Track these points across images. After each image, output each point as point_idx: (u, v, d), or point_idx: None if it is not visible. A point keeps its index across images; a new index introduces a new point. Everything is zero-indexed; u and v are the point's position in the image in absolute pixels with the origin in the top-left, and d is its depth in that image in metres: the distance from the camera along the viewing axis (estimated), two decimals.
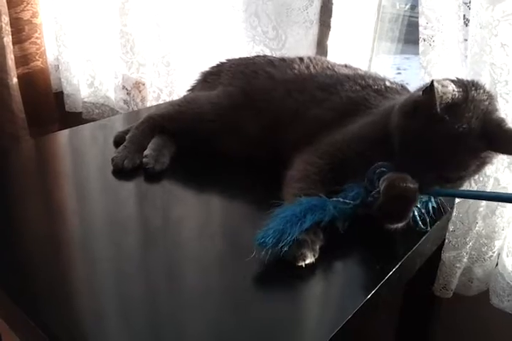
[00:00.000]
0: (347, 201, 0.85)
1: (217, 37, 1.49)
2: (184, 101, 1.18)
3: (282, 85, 1.12)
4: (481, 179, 1.00)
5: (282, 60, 1.22)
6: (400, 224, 0.84)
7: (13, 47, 1.92)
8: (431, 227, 0.89)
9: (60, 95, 1.99)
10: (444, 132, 0.79)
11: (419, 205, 0.87)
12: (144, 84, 1.60)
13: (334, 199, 0.85)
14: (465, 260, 1.04)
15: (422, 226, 0.86)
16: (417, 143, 0.82)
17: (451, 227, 1.04)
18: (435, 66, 1.10)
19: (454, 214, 1.04)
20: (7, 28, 1.87)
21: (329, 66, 1.16)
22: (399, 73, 1.70)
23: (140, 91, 1.61)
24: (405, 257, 0.84)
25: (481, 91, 0.83)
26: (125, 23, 1.55)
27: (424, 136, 0.81)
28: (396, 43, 1.48)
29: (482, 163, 0.83)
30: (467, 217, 1.03)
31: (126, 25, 1.56)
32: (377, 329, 1.18)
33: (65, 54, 1.80)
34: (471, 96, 0.80)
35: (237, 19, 1.42)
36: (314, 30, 1.33)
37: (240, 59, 1.26)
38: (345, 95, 1.06)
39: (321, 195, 0.84)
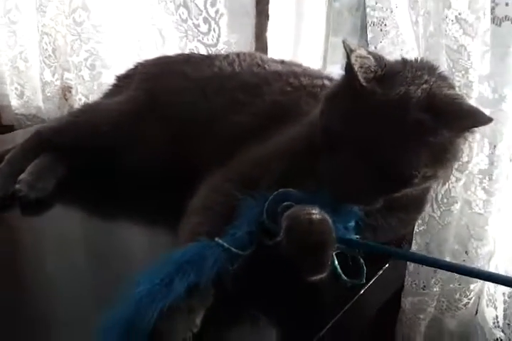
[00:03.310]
0: (233, 250, 0.61)
1: (147, 34, 1.28)
2: (80, 111, 0.97)
3: (195, 85, 0.90)
4: (446, 200, 0.75)
5: (205, 57, 1.00)
6: (318, 276, 0.62)
7: None
8: (367, 278, 0.65)
9: None
10: (376, 105, 0.60)
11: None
12: (70, 92, 1.38)
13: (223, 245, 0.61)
14: (431, 309, 0.79)
15: (346, 279, 0.62)
16: (346, 128, 0.61)
17: (410, 266, 0.79)
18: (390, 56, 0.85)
19: (413, 247, 0.79)
20: None
21: (259, 62, 0.93)
22: None
23: (67, 100, 1.39)
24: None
25: (427, 65, 0.65)
26: (43, 22, 1.34)
27: (354, 116, 0.61)
28: (359, 37, 1.23)
29: (437, 151, 0.60)
30: (433, 252, 0.78)
31: (45, 24, 1.34)
32: None
33: None
34: (409, 68, 0.63)
35: (166, 12, 1.20)
36: (251, 21, 1.10)
37: (158, 58, 1.05)
38: (271, 99, 0.85)
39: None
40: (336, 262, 0.64)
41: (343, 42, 0.60)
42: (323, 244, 0.59)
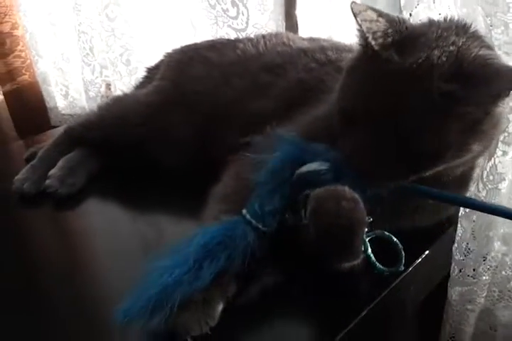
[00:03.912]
0: (259, 227, 0.57)
1: (179, 25, 1.26)
2: (108, 105, 0.96)
3: (218, 71, 0.86)
4: (492, 178, 0.67)
5: (230, 41, 0.96)
6: (348, 264, 0.57)
7: None
8: (409, 265, 0.60)
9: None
10: (394, 75, 0.54)
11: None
12: (109, 89, 1.40)
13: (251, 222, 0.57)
14: (481, 299, 0.71)
15: (383, 267, 0.57)
16: (364, 102, 0.55)
17: (456, 253, 0.72)
18: None
19: (459, 232, 0.72)
20: None
21: (285, 41, 0.88)
22: None
23: (107, 97, 1.41)
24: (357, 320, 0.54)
25: (456, 24, 0.58)
26: (79, 21, 1.36)
27: (370, 89, 0.55)
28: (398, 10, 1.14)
29: (470, 123, 0.53)
30: (480, 236, 0.70)
31: (81, 23, 1.36)
32: None
33: (40, 64, 1.65)
34: (434, 29, 0.56)
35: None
36: (279, 0, 1.05)
37: (183, 46, 1.02)
38: (295, 77, 0.80)
39: None
40: (370, 249, 0.59)
41: (351, 4, 0.55)
42: (354, 226, 0.54)
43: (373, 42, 0.53)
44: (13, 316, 0.60)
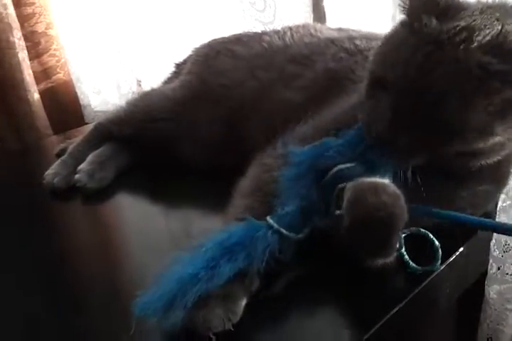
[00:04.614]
0: (284, 232, 0.55)
1: (207, 19, 1.25)
2: (136, 100, 0.96)
3: (244, 64, 0.85)
4: None
5: (256, 33, 0.95)
6: (380, 260, 0.55)
7: (32, 62, 1.84)
8: (442, 262, 0.57)
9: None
10: (431, 39, 0.51)
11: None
12: (140, 85, 1.40)
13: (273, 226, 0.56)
14: None
15: (416, 266, 0.55)
16: (392, 69, 0.53)
17: (494, 249, 0.68)
18: None
19: None
20: (21, 43, 1.79)
21: (312, 32, 0.86)
22: None
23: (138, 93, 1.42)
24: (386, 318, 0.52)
25: (503, 6, 0.54)
26: (111, 19, 1.38)
27: (401, 55, 0.53)
28: None
29: (503, 103, 0.50)
30: None
31: (112, 21, 1.37)
32: None
33: (74, 62, 1.68)
34: (479, 6, 0.53)
35: None
36: None
37: (212, 40, 1.01)
38: (323, 67, 0.77)
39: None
40: (404, 247, 0.57)
41: None
42: (393, 221, 0.52)
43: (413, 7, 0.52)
44: (44, 306, 0.61)
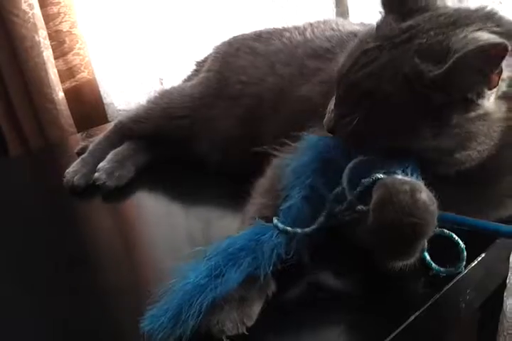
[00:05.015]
0: (287, 228, 0.54)
1: (228, 18, 1.25)
2: (156, 98, 0.96)
3: (264, 60, 0.84)
4: None
5: (276, 30, 0.93)
6: (401, 262, 0.53)
7: (57, 61, 1.86)
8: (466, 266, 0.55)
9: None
10: (379, 39, 0.51)
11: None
12: (161, 83, 1.41)
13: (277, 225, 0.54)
14: None
15: (440, 268, 0.53)
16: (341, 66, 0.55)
17: None
18: None
19: None
20: (46, 42, 1.81)
21: (333, 27, 0.84)
22: None
23: None
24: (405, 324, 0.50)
25: (478, 13, 0.52)
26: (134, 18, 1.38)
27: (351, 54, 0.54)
28: None
29: (432, 109, 0.49)
30: None
31: (136, 20, 1.38)
32: None
33: (97, 61, 1.69)
34: (446, 11, 0.51)
35: None
36: None
37: (232, 38, 1.00)
38: None
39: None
40: (426, 249, 0.55)
41: None
42: (423, 227, 0.49)
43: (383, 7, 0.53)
44: (68, 304, 0.61)
